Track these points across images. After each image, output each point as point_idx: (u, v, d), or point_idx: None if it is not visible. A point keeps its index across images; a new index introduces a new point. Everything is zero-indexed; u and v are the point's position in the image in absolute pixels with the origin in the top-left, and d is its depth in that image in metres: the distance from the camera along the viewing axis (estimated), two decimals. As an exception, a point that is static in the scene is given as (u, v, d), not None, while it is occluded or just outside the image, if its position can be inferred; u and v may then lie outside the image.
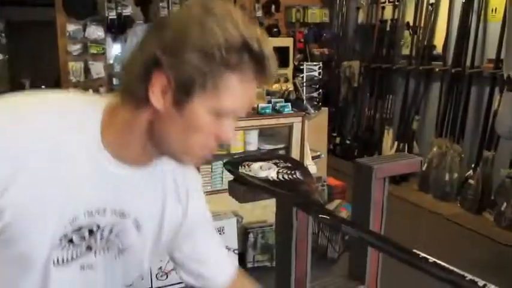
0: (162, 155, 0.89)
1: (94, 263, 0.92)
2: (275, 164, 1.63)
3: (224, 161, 1.61)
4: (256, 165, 1.61)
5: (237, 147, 3.38)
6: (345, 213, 3.48)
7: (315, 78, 3.89)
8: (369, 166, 1.74)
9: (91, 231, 0.88)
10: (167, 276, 3.17)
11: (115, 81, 5.81)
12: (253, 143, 3.41)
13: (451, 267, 0.89)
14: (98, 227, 0.88)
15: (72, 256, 0.88)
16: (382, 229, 1.77)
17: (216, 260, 1.16)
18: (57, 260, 0.86)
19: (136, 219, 0.94)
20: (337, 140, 6.30)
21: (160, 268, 3.14)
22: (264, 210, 3.18)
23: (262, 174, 1.53)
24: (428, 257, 0.94)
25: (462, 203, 4.54)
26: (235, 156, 3.30)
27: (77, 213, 0.84)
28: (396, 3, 5.71)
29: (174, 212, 1.02)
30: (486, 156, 4.40)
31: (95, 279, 0.94)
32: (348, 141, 6.24)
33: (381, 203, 1.77)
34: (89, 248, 0.90)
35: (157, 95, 0.79)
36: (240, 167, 1.59)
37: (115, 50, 5.81)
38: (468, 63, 4.68)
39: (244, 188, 1.51)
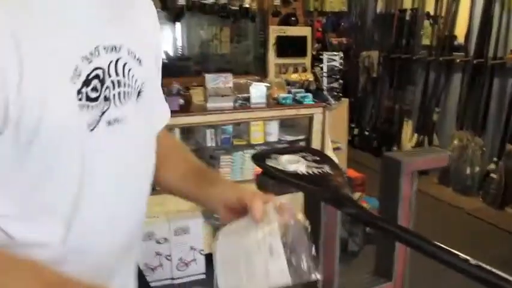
0: None
1: (119, 114, 0.86)
2: (303, 157, 1.60)
3: (252, 154, 1.57)
4: (284, 158, 1.57)
5: (257, 138, 3.36)
6: (365, 206, 3.44)
7: (336, 68, 3.85)
8: (397, 160, 1.70)
9: (100, 79, 0.81)
10: (187, 267, 3.17)
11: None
12: (273, 133, 3.39)
13: (497, 271, 0.86)
14: (102, 70, 0.82)
15: (97, 113, 0.82)
16: (411, 225, 1.74)
17: (158, 97, 1.11)
18: (87, 124, 0.80)
19: (130, 50, 0.88)
20: (356, 131, 6.24)
21: (180, 259, 3.14)
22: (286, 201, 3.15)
23: (291, 167, 1.51)
24: (469, 258, 0.91)
25: (484, 198, 4.48)
26: (260, 148, 3.31)
27: (76, 62, 0.77)
28: (416, -9, 5.62)
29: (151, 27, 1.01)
30: (509, 150, 4.32)
31: (128, 134, 0.89)
32: (366, 133, 6.18)
33: (409, 198, 1.73)
34: (107, 99, 0.83)
35: None
36: (267, 160, 1.56)
37: None
38: (491, 54, 4.59)
39: (273, 182, 1.48)
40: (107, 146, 0.85)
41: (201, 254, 3.20)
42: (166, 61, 6.25)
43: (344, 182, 1.50)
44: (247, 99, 3.32)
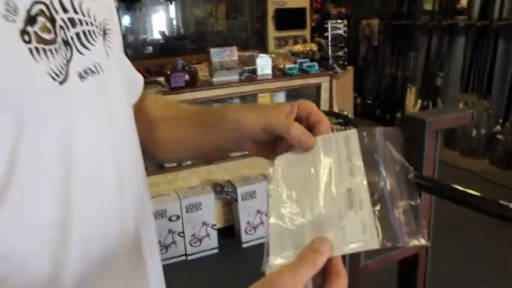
0: None
1: (89, 61, 0.63)
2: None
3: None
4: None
5: (264, 110, 3.32)
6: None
7: (340, 36, 3.79)
8: (421, 120, 1.67)
9: (47, 16, 0.58)
10: (200, 242, 3.16)
11: (129, 51, 5.76)
12: (281, 104, 3.35)
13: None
14: (45, 5, 0.58)
15: (62, 61, 0.58)
16: (436, 184, 1.71)
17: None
18: (53, 72, 0.56)
19: None
20: (358, 100, 6.20)
21: (193, 235, 3.13)
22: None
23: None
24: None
25: (491, 159, 4.46)
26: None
27: None
28: (416, -47, 5.52)
29: None
30: (516, 111, 4.31)
31: (109, 87, 0.67)
32: (369, 101, 6.15)
33: (434, 157, 1.71)
34: (66, 42, 0.60)
35: None
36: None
37: (126, 20, 5.75)
38: (496, 15, 4.53)
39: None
40: (89, 108, 0.63)
41: (214, 228, 3.19)
42: (162, 41, 6.20)
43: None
44: (253, 71, 3.28)
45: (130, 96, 0.82)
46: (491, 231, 2.84)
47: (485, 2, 4.60)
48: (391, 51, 5.89)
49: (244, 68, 3.29)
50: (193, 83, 3.18)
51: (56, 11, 0.60)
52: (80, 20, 0.63)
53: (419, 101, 5.34)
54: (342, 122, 1.55)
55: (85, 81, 0.62)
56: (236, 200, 3.15)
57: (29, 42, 0.55)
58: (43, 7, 0.58)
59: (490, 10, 4.56)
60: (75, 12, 0.63)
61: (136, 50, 5.96)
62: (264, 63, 3.26)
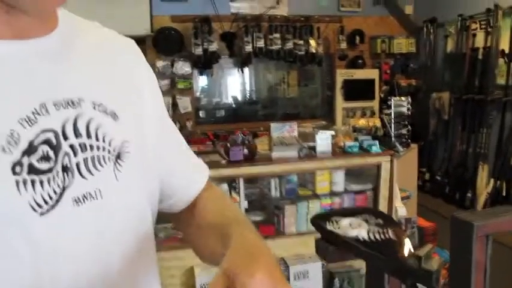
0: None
1: (90, 187, 0.65)
2: (365, 220, 1.54)
3: (312, 217, 1.53)
4: (345, 222, 1.52)
5: (322, 188, 3.30)
6: (437, 260, 3.26)
7: (404, 114, 3.74)
8: (469, 223, 1.59)
9: (52, 145, 0.62)
10: None
11: (201, 113, 5.97)
12: (339, 182, 3.32)
13: None
14: (54, 133, 0.62)
15: (56, 190, 0.61)
16: (485, 293, 1.61)
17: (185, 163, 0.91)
18: (35, 203, 0.59)
19: (96, 102, 0.68)
20: (427, 175, 6.00)
21: None
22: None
23: (352, 233, 1.45)
24: None
25: None
26: (325, 198, 3.26)
27: (11, 127, 0.59)
28: (489, 29, 5.41)
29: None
30: None
31: (107, 211, 0.67)
32: (438, 178, 5.92)
33: (484, 264, 1.61)
34: (66, 168, 0.63)
35: None
36: (328, 223, 1.51)
37: (201, 82, 5.98)
38: None
39: (333, 248, 1.42)
40: (76, 232, 0.64)
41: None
42: (234, 105, 6.38)
43: (409, 251, 1.42)
44: (313, 148, 3.28)
45: (170, 204, 0.87)
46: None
47: None
48: (462, 126, 5.70)
49: (304, 144, 3.30)
50: (251, 157, 3.22)
51: (66, 137, 0.63)
52: (91, 145, 0.66)
53: (492, 181, 5.09)
54: (381, 223, 1.50)
55: (81, 206, 0.64)
56: (288, 279, 3.10)
57: (19, 174, 0.58)
58: (50, 135, 0.62)
59: None
60: (89, 137, 0.66)
61: (208, 113, 6.15)
62: (323, 141, 3.26)
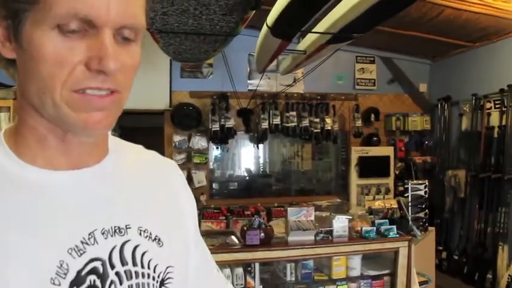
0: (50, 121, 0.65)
1: None
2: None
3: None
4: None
5: (339, 273, 3.24)
6: None
7: (421, 197, 3.73)
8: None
9: (99, 273, 0.63)
10: None
11: (214, 185, 5.99)
12: (356, 268, 3.26)
13: None
14: (101, 262, 0.64)
15: None
16: None
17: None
18: None
19: (142, 228, 0.70)
20: (443, 254, 5.89)
21: None
22: None
23: None
24: None
25: None
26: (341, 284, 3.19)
27: (61, 257, 0.61)
28: (503, 109, 5.45)
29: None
30: None
31: None
32: (455, 257, 5.80)
33: None
34: None
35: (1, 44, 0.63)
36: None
37: (215, 153, 6.03)
38: None
39: None
40: None
41: None
42: (247, 178, 6.40)
43: None
44: (330, 232, 3.26)
45: None
46: None
47: None
48: (479, 204, 5.64)
49: (321, 228, 3.28)
50: (268, 241, 3.20)
51: (113, 266, 0.65)
52: (136, 273, 0.68)
53: (513, 262, 4.99)
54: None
55: None
56: None
57: None
58: (98, 264, 0.64)
59: None
60: (134, 264, 0.68)
61: (221, 186, 6.17)
62: (340, 225, 3.24)
